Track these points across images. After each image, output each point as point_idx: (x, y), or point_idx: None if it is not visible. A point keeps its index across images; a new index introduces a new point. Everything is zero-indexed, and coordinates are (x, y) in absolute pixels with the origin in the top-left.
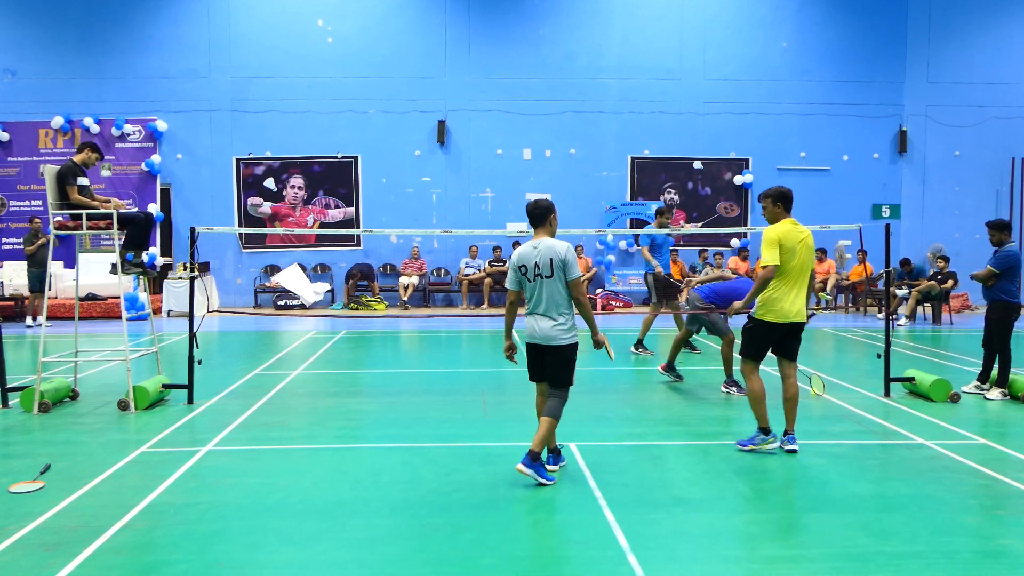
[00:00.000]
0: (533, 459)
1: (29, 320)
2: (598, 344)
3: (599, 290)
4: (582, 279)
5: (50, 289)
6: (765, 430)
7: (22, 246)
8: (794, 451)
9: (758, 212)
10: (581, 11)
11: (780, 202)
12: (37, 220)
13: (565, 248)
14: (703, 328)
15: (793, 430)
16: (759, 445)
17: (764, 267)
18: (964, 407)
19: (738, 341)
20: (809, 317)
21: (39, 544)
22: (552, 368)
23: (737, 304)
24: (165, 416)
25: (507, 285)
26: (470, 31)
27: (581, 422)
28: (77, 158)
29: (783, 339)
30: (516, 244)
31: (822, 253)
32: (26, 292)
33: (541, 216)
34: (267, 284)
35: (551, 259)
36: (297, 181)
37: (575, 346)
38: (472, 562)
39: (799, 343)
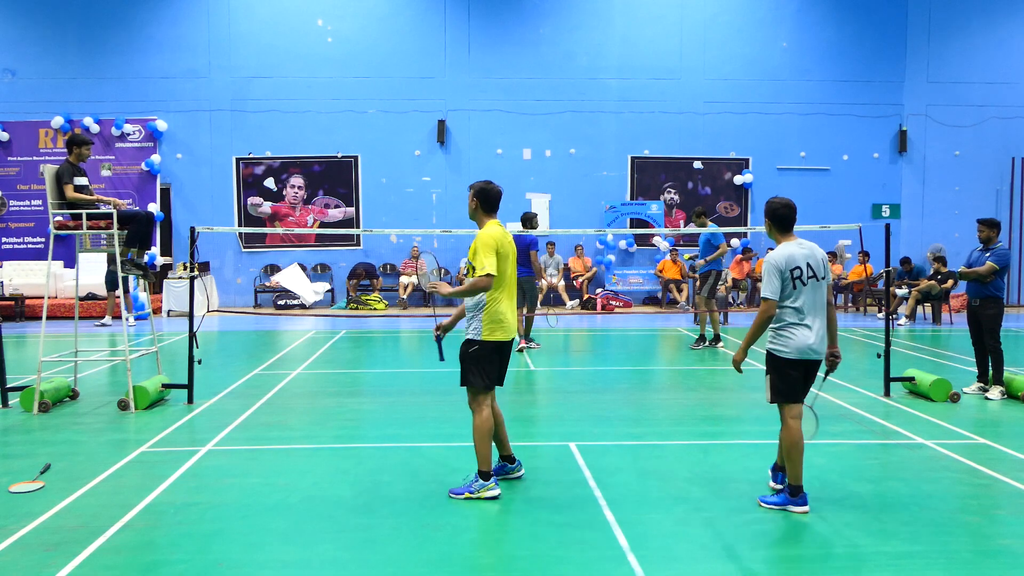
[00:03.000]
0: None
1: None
2: (832, 362)
3: (599, 290)
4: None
5: (124, 286)
6: (486, 474)
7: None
8: (495, 497)
9: (758, 212)
10: (581, 11)
11: (478, 198)
12: None
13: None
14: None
15: (512, 453)
16: (478, 492)
17: (483, 275)
18: (964, 407)
19: None
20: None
21: (39, 544)
22: (813, 379)
23: (446, 323)
24: (165, 416)
25: (771, 295)
26: (470, 31)
27: (581, 422)
28: (71, 157)
29: (503, 358)
30: None
31: (832, 256)
32: (26, 292)
33: (792, 219)
34: (267, 284)
35: (822, 259)
36: (297, 181)
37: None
38: (472, 562)
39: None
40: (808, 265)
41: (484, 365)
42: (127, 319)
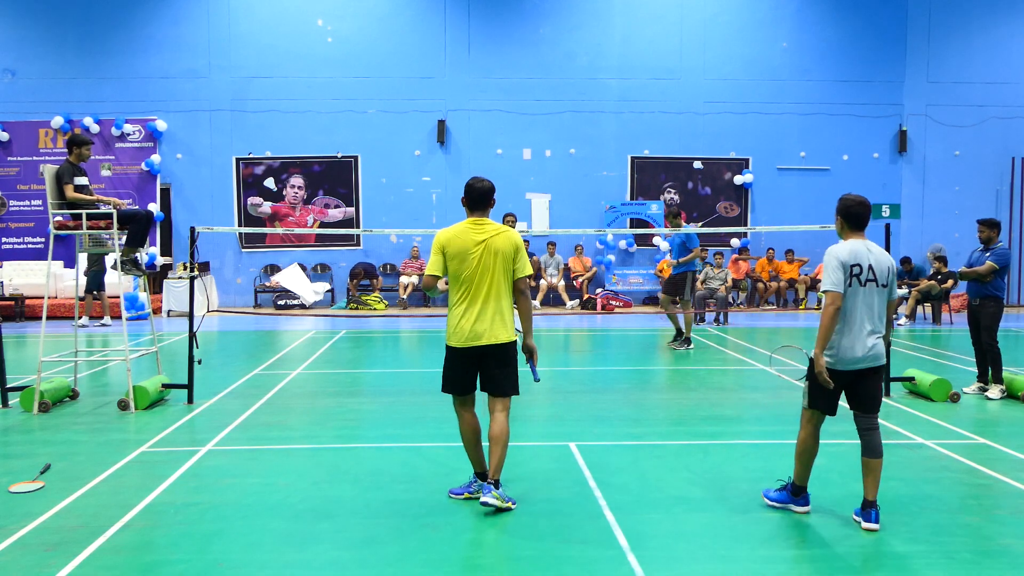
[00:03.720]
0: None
1: (85, 320)
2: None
3: (599, 290)
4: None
5: (95, 286)
6: (482, 475)
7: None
8: (487, 504)
9: (758, 212)
10: (581, 11)
11: (465, 195)
12: None
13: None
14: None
15: (499, 478)
16: (476, 492)
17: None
18: (964, 407)
19: None
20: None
21: (39, 544)
22: (873, 391)
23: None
24: (165, 416)
25: (834, 287)
26: (470, 31)
27: (581, 422)
28: (72, 157)
29: (481, 367)
30: None
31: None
32: (26, 292)
33: (866, 218)
34: (267, 284)
35: (889, 267)
36: (297, 181)
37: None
38: (472, 562)
39: (508, 370)
40: (870, 267)
41: (445, 369)
42: (82, 322)
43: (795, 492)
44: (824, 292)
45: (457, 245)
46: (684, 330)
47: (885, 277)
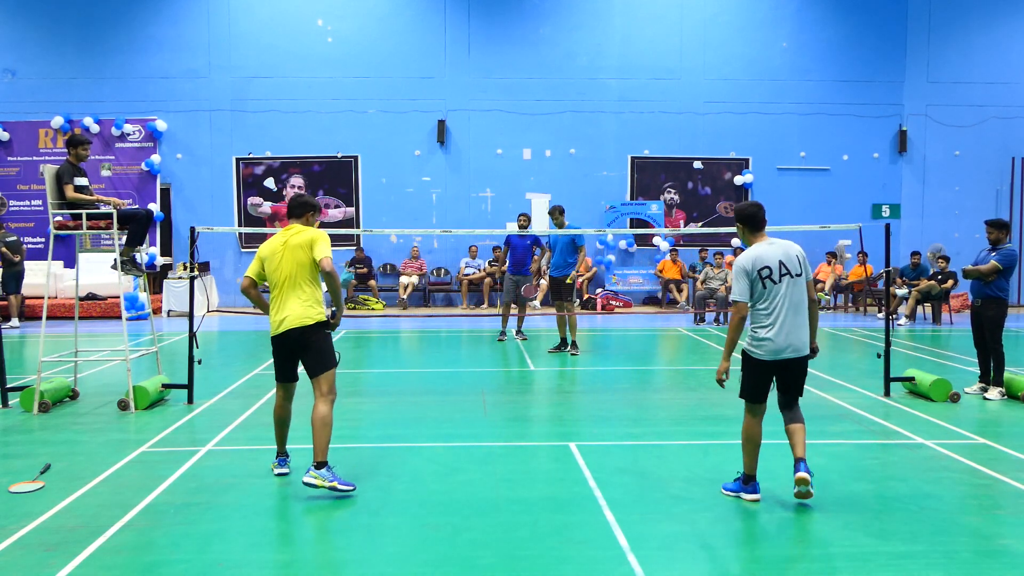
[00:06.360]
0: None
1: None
2: (809, 357)
3: (599, 290)
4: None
5: (15, 288)
6: (283, 452)
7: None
8: (308, 484)
9: None
10: (581, 11)
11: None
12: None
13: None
14: None
15: (324, 459)
16: (272, 465)
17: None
18: (964, 407)
19: None
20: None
21: (39, 544)
22: (800, 377)
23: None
24: (165, 416)
25: (739, 297)
26: (470, 31)
27: (581, 422)
28: (71, 157)
29: (298, 353)
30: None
31: (832, 256)
32: (26, 292)
33: (760, 218)
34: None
35: (797, 255)
36: (297, 181)
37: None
38: (472, 562)
39: (315, 349)
40: (780, 263)
41: (274, 355)
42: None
43: (745, 481)
44: (732, 302)
45: (269, 249)
46: (571, 334)
47: (797, 266)
